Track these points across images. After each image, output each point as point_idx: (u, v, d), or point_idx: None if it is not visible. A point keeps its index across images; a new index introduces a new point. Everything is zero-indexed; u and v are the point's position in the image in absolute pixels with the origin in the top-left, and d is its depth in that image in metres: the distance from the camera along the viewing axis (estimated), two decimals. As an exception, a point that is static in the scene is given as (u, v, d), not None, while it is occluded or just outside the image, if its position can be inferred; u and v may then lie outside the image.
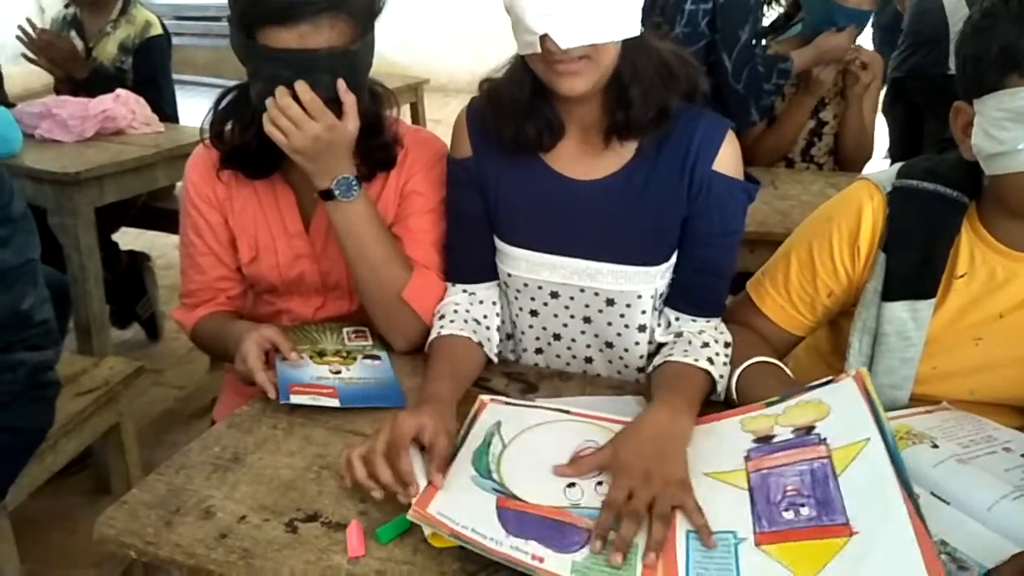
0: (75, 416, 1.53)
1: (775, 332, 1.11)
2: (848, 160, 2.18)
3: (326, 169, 1.08)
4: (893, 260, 1.00)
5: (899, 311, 1.00)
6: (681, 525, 0.80)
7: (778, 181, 2.00)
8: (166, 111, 2.51)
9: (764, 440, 0.88)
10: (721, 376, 1.03)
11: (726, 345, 1.07)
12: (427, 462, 0.86)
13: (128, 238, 2.87)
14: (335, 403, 1.02)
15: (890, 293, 1.00)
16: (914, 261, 0.99)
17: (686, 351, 1.04)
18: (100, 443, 1.75)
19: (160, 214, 2.63)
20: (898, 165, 1.05)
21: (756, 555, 0.75)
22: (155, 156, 2.13)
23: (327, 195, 1.10)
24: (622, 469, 0.83)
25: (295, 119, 1.02)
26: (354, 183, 1.09)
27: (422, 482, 0.83)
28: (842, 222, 1.04)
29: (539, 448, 0.92)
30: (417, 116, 4.56)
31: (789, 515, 0.77)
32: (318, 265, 1.23)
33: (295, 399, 1.01)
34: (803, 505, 0.78)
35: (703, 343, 1.05)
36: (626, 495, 0.80)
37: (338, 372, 1.09)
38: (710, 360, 1.03)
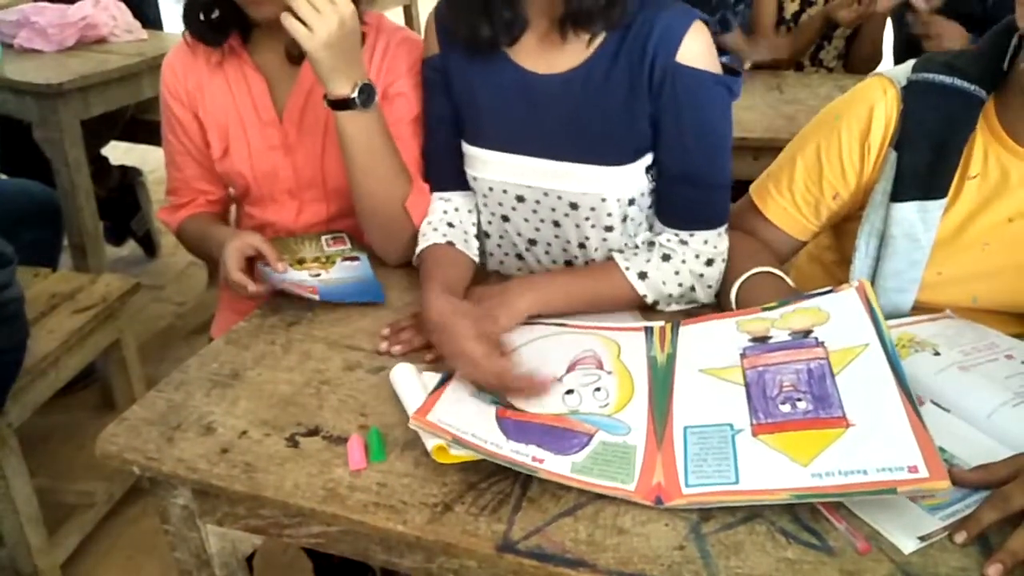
0: (74, 333, 1.53)
1: (778, 237, 1.09)
2: (859, 65, 2.16)
3: (346, 70, 1.00)
4: (905, 158, 0.96)
5: (908, 212, 0.97)
6: (679, 420, 0.80)
7: (784, 85, 1.95)
8: (148, 17, 2.42)
9: (760, 340, 0.87)
10: (654, 294, 1.02)
11: (707, 263, 1.02)
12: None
13: (118, 153, 2.81)
14: (315, 296, 1.04)
15: (900, 193, 0.97)
16: (927, 159, 0.95)
17: (632, 255, 1.03)
18: (103, 359, 1.77)
19: (150, 127, 2.56)
20: (913, 60, 1.01)
21: (753, 444, 0.75)
22: (140, 65, 2.06)
23: (342, 104, 1.02)
24: None
25: (316, 3, 0.94)
26: (374, 89, 1.03)
27: (418, 400, 0.83)
28: (852, 120, 1.00)
29: (537, 359, 0.91)
30: (411, 19, 4.40)
31: (786, 408, 0.78)
32: (291, 158, 1.19)
33: (278, 286, 1.03)
34: (800, 400, 0.78)
35: (663, 255, 1.02)
36: None
37: (318, 275, 1.10)
38: (642, 275, 1.01)
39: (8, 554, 1.51)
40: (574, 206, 1.05)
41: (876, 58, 2.18)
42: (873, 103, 0.99)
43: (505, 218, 1.11)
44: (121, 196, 2.67)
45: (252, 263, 1.10)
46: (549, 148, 1.03)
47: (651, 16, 0.97)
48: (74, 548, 1.63)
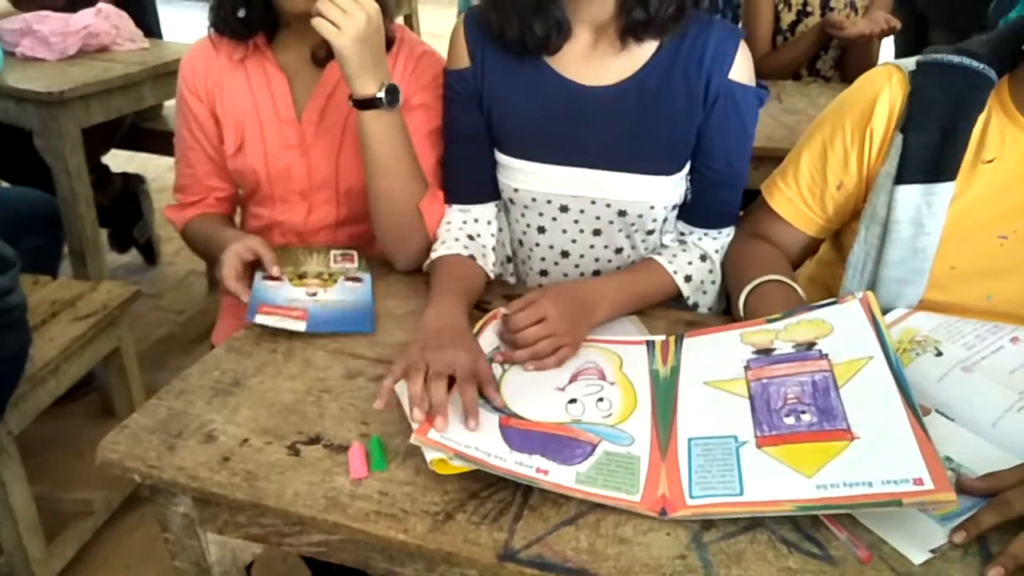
0: (74, 340, 1.53)
1: (787, 233, 1.09)
2: (854, 74, 2.17)
3: (373, 68, 1.01)
4: (911, 140, 0.94)
5: (913, 195, 0.95)
6: (683, 432, 0.80)
7: (784, 94, 1.95)
8: (149, 26, 2.42)
9: (764, 352, 0.88)
10: (694, 295, 1.08)
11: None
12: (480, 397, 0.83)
13: (120, 161, 2.81)
14: (301, 327, 1.00)
15: (904, 175, 0.95)
16: (934, 140, 0.93)
17: (671, 256, 1.08)
18: (102, 367, 1.76)
19: (150, 135, 2.57)
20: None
21: (757, 456, 0.75)
22: (141, 74, 2.06)
23: (367, 103, 1.02)
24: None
25: (341, 3, 0.96)
26: (399, 90, 1.04)
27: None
28: (854, 108, 1.01)
29: (539, 371, 0.91)
30: (412, 28, 4.42)
31: (790, 420, 0.78)
32: (307, 158, 1.19)
33: (259, 319, 1.00)
34: (804, 412, 0.78)
35: (701, 255, 1.09)
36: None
37: (314, 294, 1.07)
38: (688, 278, 1.07)
39: (6, 562, 1.50)
40: (622, 213, 1.07)
41: (871, 68, 2.20)
42: (877, 90, 0.99)
43: (542, 228, 1.12)
44: (124, 204, 2.67)
45: (251, 268, 1.10)
46: (600, 159, 1.05)
47: (703, 32, 1.02)
48: (72, 556, 1.62)
